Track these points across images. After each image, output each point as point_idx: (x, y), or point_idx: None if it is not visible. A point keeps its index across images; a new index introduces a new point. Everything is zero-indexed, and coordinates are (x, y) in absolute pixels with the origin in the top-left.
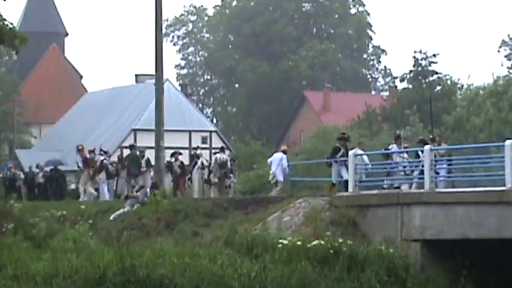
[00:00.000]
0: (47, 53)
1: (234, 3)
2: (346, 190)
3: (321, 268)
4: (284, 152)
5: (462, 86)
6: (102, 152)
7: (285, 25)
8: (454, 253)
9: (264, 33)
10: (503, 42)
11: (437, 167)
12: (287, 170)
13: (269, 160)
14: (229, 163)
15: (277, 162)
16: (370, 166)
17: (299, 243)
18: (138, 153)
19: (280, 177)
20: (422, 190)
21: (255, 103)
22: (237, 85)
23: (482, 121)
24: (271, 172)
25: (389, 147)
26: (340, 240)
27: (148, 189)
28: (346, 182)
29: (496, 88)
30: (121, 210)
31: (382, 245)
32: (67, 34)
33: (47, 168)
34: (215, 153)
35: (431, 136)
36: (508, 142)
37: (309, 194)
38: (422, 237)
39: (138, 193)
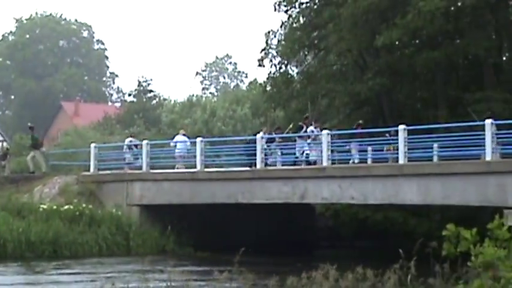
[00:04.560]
0: None
1: (10, 38)
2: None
3: (70, 224)
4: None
5: (171, 100)
6: None
7: (47, 55)
8: (163, 214)
9: (32, 61)
10: (197, 73)
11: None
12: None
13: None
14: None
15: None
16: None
17: (55, 207)
18: None
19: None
20: (140, 171)
21: (25, 109)
22: (12, 96)
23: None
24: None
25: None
26: (84, 205)
27: None
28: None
29: (191, 102)
30: None
31: (113, 209)
32: None
33: None
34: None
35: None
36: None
37: (63, 173)
38: (140, 203)
39: None
